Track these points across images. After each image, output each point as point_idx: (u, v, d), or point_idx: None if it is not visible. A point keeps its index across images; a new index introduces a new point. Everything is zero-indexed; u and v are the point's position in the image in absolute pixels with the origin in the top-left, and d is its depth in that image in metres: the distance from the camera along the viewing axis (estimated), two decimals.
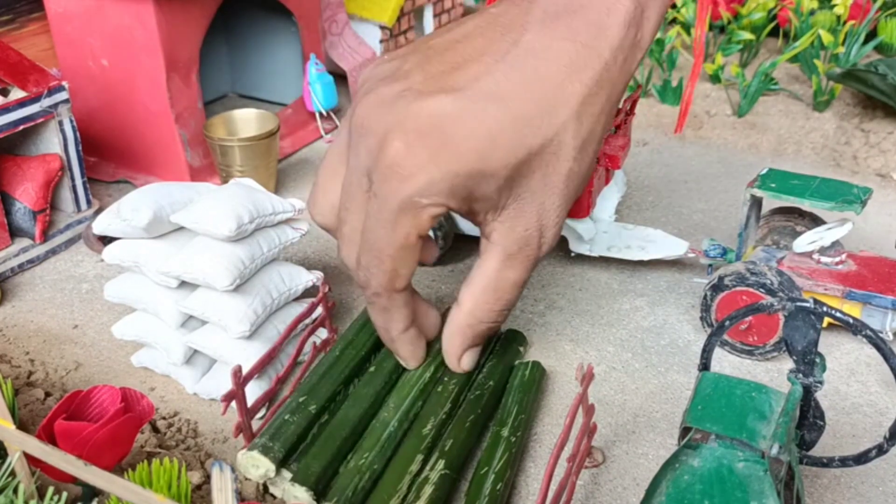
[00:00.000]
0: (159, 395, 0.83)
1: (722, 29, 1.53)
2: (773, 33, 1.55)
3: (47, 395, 0.81)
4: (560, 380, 0.84)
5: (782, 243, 0.93)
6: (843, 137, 1.25)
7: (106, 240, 0.98)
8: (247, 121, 1.17)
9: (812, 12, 1.45)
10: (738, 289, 0.84)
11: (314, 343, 0.82)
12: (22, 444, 0.57)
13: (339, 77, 1.42)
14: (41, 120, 1.02)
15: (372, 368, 0.80)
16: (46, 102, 1.02)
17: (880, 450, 0.64)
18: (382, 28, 1.51)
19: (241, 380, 0.69)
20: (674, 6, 1.51)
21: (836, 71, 1.27)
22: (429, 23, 1.62)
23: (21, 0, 1.33)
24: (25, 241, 1.03)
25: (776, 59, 1.33)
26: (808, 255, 0.88)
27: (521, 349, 0.86)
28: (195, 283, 0.80)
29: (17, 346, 0.90)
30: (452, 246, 1.05)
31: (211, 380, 0.82)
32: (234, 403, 0.70)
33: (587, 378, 0.68)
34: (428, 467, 0.70)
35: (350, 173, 0.70)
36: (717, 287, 0.85)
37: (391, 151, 0.65)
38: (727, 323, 0.66)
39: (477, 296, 0.72)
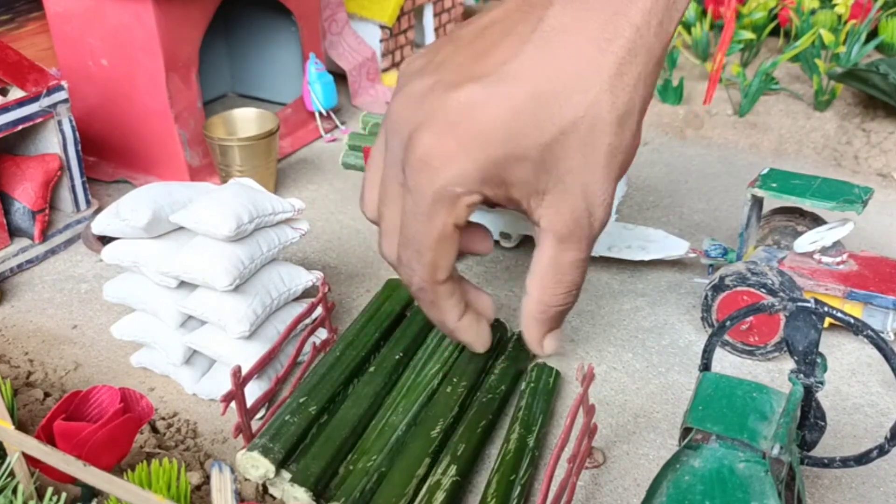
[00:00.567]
0: (158, 395, 0.83)
1: (722, 28, 1.53)
2: (774, 33, 1.54)
3: (46, 395, 0.81)
4: (561, 380, 0.84)
5: (783, 243, 0.93)
6: (845, 137, 1.25)
7: (105, 240, 0.98)
8: (246, 120, 1.17)
9: (813, 12, 1.44)
10: (739, 289, 0.84)
11: (314, 343, 0.82)
12: (21, 444, 0.57)
13: (339, 77, 1.42)
14: (40, 120, 1.02)
15: (372, 368, 0.80)
16: (45, 102, 1.01)
17: (881, 450, 0.64)
18: (382, 27, 1.50)
19: (240, 380, 0.69)
20: None
21: (837, 70, 1.27)
22: (429, 22, 1.62)
23: None
24: (24, 241, 1.03)
25: (777, 58, 1.32)
26: (810, 255, 0.88)
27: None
28: (195, 283, 0.80)
29: (16, 346, 0.90)
30: None
31: (210, 380, 0.82)
32: (233, 404, 0.69)
33: (588, 378, 0.68)
34: (440, 471, 0.69)
35: (387, 169, 0.70)
36: (717, 287, 0.85)
37: (422, 144, 0.65)
38: (728, 323, 0.66)
39: (541, 283, 0.71)
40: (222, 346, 0.80)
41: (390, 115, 0.70)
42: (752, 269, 0.83)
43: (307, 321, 0.83)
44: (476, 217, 1.01)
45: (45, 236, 1.04)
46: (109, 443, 0.64)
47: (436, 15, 1.62)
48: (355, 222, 1.12)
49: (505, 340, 0.86)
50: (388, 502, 0.66)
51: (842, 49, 1.35)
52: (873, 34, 1.47)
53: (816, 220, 0.92)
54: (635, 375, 0.84)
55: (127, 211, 0.80)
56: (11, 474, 0.61)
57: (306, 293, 0.90)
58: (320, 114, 1.35)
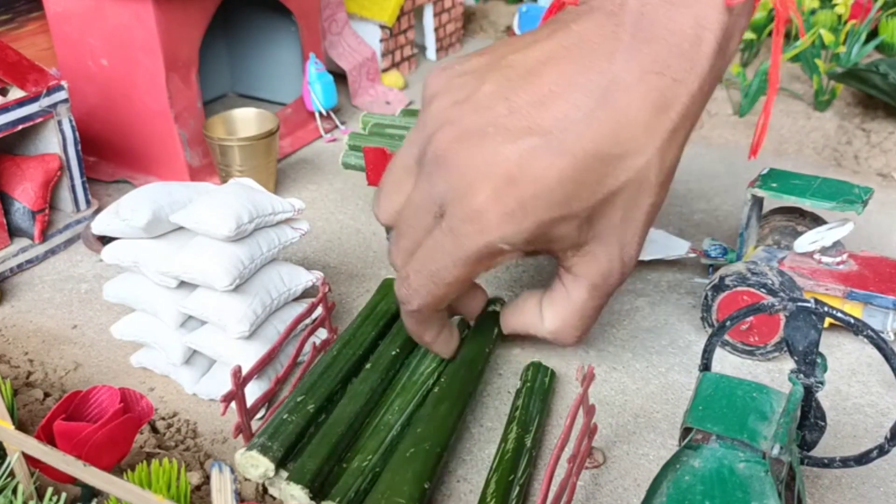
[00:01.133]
0: (158, 395, 0.83)
1: None
2: None
3: (46, 395, 0.81)
4: (560, 380, 0.84)
5: (783, 243, 0.93)
6: (845, 137, 1.25)
7: (105, 240, 0.98)
8: (246, 121, 1.17)
9: (813, 11, 1.44)
10: (739, 289, 0.84)
11: (314, 343, 0.82)
12: (21, 444, 0.57)
13: (339, 77, 1.42)
14: (40, 120, 1.02)
15: (368, 365, 0.80)
16: (45, 102, 1.01)
17: (881, 450, 0.64)
18: (382, 27, 1.50)
19: (240, 380, 0.69)
20: None
21: (837, 70, 1.27)
22: (429, 22, 1.62)
23: (20, 0, 1.33)
24: (24, 241, 1.03)
25: None
26: (810, 255, 0.88)
27: (496, 307, 0.87)
28: (195, 284, 0.80)
29: (16, 346, 0.90)
30: None
31: (210, 380, 0.82)
32: (233, 404, 0.69)
33: (588, 378, 0.68)
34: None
35: (420, 195, 0.68)
36: (717, 287, 0.85)
37: (479, 199, 0.63)
38: (728, 323, 0.66)
39: (563, 320, 0.74)
40: (222, 346, 0.80)
41: (435, 146, 0.66)
42: (752, 269, 0.83)
43: (307, 321, 0.83)
44: None
45: (45, 236, 1.04)
46: (109, 443, 0.64)
47: (436, 15, 1.62)
48: (355, 222, 1.12)
49: (497, 335, 0.87)
50: (378, 501, 0.67)
51: (842, 49, 1.35)
52: (873, 34, 1.47)
53: (816, 220, 0.92)
54: (635, 375, 0.85)
55: (127, 211, 0.80)
56: (11, 474, 0.61)
57: (306, 293, 0.90)
58: (320, 114, 1.35)
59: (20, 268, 1.02)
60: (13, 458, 0.60)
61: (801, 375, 0.62)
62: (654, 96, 0.63)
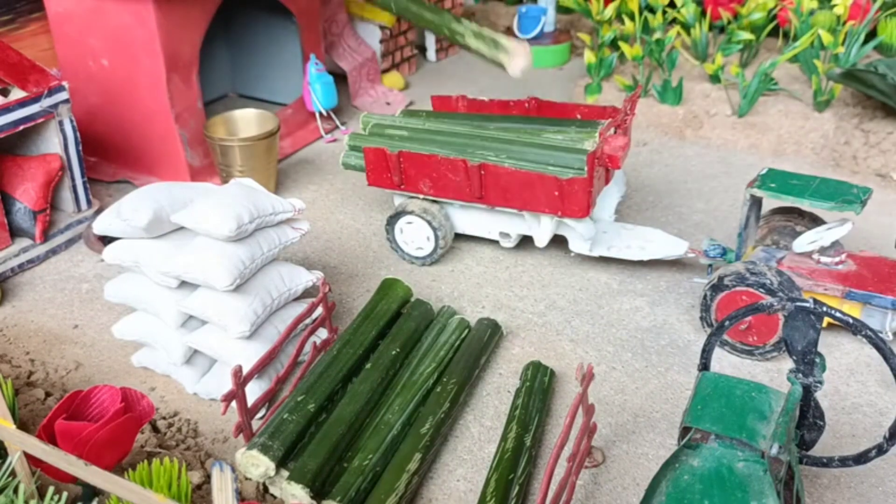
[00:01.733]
0: (159, 395, 0.83)
1: (722, 29, 1.53)
2: (773, 33, 1.54)
3: (47, 394, 0.81)
4: (560, 380, 0.84)
5: (782, 243, 0.93)
6: (843, 137, 1.25)
7: (106, 240, 0.98)
8: (247, 121, 1.17)
9: (812, 12, 1.44)
10: (738, 289, 0.84)
11: (314, 343, 0.82)
12: (22, 443, 0.57)
13: (339, 77, 1.42)
14: (41, 120, 1.02)
15: (369, 365, 0.80)
16: (46, 102, 1.02)
17: (880, 450, 0.64)
18: (382, 28, 1.51)
19: (241, 380, 0.69)
20: (673, 6, 1.51)
21: (835, 71, 1.27)
22: None
23: (21, 0, 1.33)
24: (26, 241, 1.03)
25: (776, 59, 1.33)
26: (808, 255, 0.88)
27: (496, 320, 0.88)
28: (195, 283, 0.80)
29: (17, 346, 0.90)
30: (452, 246, 1.05)
31: (211, 380, 0.82)
32: (234, 403, 0.70)
33: (587, 378, 0.68)
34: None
35: None
36: (716, 287, 0.85)
37: None
38: (727, 323, 0.66)
39: None
40: (223, 345, 0.80)
41: None
42: (750, 269, 0.83)
43: (307, 321, 0.83)
44: (476, 217, 1.01)
45: (46, 236, 1.04)
46: (110, 442, 0.64)
47: None
48: (355, 222, 1.12)
49: (497, 337, 0.87)
50: (380, 499, 0.67)
51: (840, 50, 1.35)
52: (872, 35, 1.47)
53: (815, 220, 0.92)
54: (634, 375, 0.85)
55: (128, 211, 0.81)
56: (13, 473, 0.61)
57: (307, 293, 0.91)
58: (320, 114, 1.35)
59: (21, 268, 1.02)
60: (14, 458, 0.60)
61: (800, 375, 0.63)
62: None
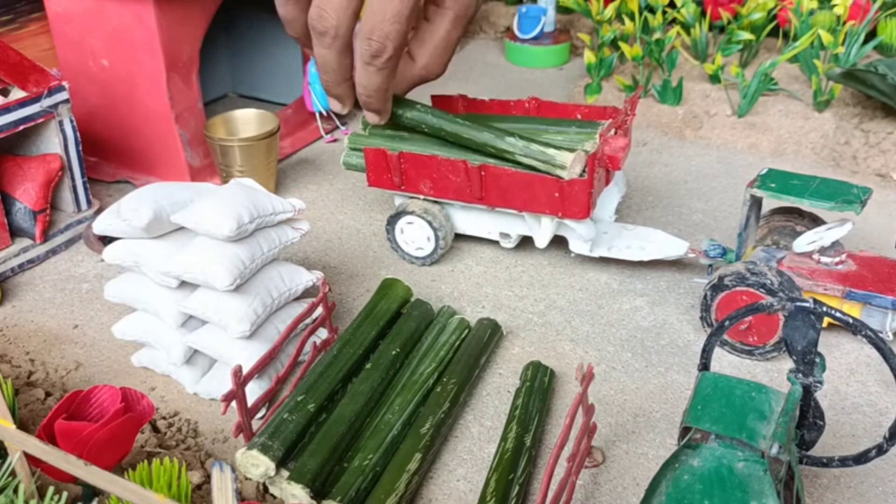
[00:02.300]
0: (159, 394, 0.83)
1: (722, 29, 1.53)
2: (773, 33, 1.55)
3: (47, 394, 0.81)
4: (560, 380, 0.84)
5: (782, 243, 0.93)
6: (843, 137, 1.25)
7: (106, 240, 0.98)
8: (247, 121, 1.17)
9: (812, 12, 1.44)
10: (738, 289, 0.84)
11: (314, 343, 0.82)
12: (22, 443, 0.57)
13: None
14: (41, 120, 1.02)
15: (369, 365, 0.81)
16: (47, 102, 1.02)
17: (880, 450, 0.64)
18: None
19: (241, 380, 0.69)
20: (673, 6, 1.51)
21: (835, 71, 1.27)
22: None
23: (21, 0, 1.33)
24: (26, 241, 1.03)
25: (776, 59, 1.33)
26: (808, 255, 0.88)
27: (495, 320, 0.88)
28: (195, 283, 0.80)
29: (17, 346, 0.90)
30: (452, 246, 1.05)
31: (211, 380, 0.82)
32: (234, 403, 0.70)
33: (587, 378, 0.68)
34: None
35: None
36: (717, 287, 0.85)
37: None
38: (727, 323, 0.66)
39: (431, 52, 0.91)
40: (223, 345, 0.80)
41: None
42: (751, 269, 0.83)
43: (307, 321, 0.83)
44: (476, 217, 1.01)
45: (46, 236, 1.04)
46: (110, 442, 0.64)
47: None
48: (355, 222, 1.12)
49: (497, 337, 0.87)
50: (380, 499, 0.67)
51: (840, 50, 1.35)
52: (872, 35, 1.47)
53: (815, 220, 0.92)
54: (634, 375, 0.85)
55: (128, 211, 0.81)
56: (13, 473, 0.61)
57: (307, 293, 0.91)
58: (320, 114, 1.35)
59: (21, 268, 1.02)
60: (14, 458, 0.60)
61: (800, 375, 0.63)
62: None
